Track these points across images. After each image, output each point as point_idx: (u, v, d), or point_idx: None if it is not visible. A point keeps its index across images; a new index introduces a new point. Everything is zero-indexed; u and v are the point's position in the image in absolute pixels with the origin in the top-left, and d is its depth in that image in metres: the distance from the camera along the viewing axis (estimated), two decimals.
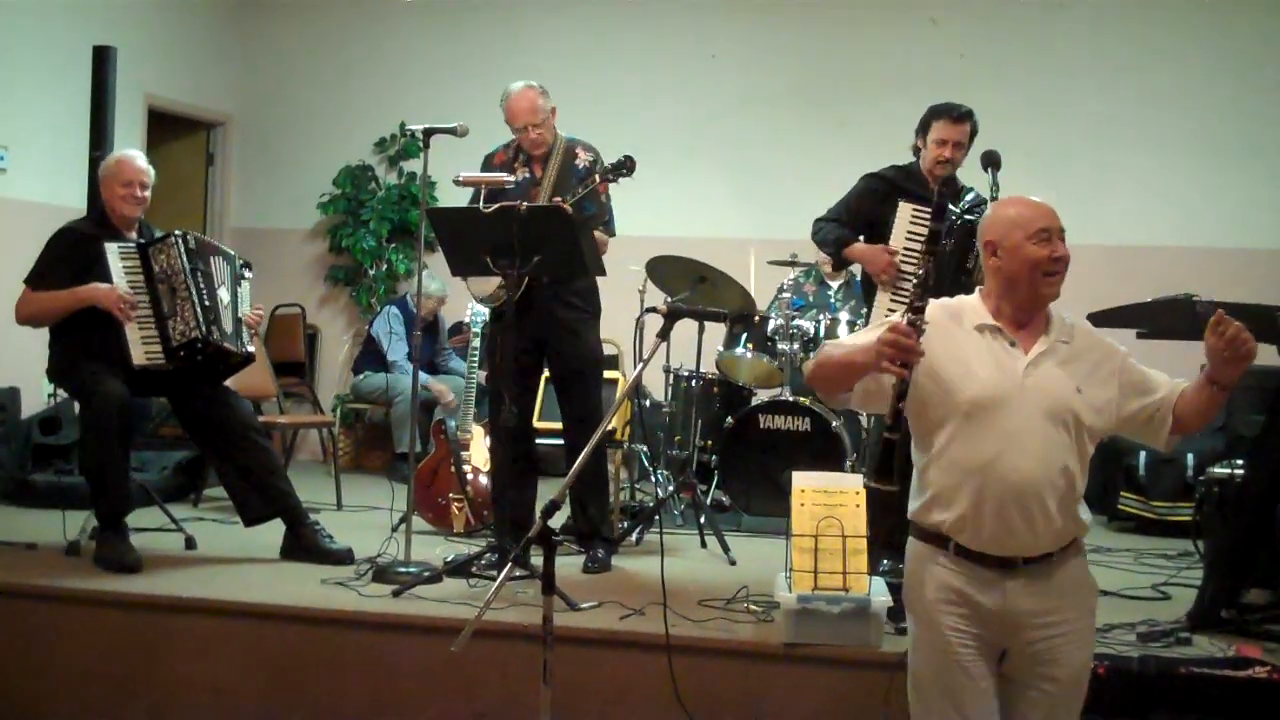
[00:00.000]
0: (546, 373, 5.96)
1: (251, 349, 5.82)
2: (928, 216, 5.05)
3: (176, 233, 5.59)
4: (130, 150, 5.83)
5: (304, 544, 5.58)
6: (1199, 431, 3.38)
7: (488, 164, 5.80)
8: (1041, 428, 3.13)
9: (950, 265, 5.02)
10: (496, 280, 5.45)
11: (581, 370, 5.67)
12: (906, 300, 4.87)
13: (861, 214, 5.44)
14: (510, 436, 5.50)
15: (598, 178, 5.44)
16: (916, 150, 5.44)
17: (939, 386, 3.18)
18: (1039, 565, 3.17)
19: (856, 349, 3.18)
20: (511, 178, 5.61)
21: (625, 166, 5.38)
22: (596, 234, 5.61)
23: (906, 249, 5.20)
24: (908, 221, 5.20)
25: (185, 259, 5.52)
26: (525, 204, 5.11)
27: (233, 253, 5.88)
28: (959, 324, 3.26)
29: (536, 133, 5.60)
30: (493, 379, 5.67)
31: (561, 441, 5.85)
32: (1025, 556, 3.16)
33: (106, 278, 5.42)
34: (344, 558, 5.47)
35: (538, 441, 6.00)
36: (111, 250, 5.47)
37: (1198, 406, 3.21)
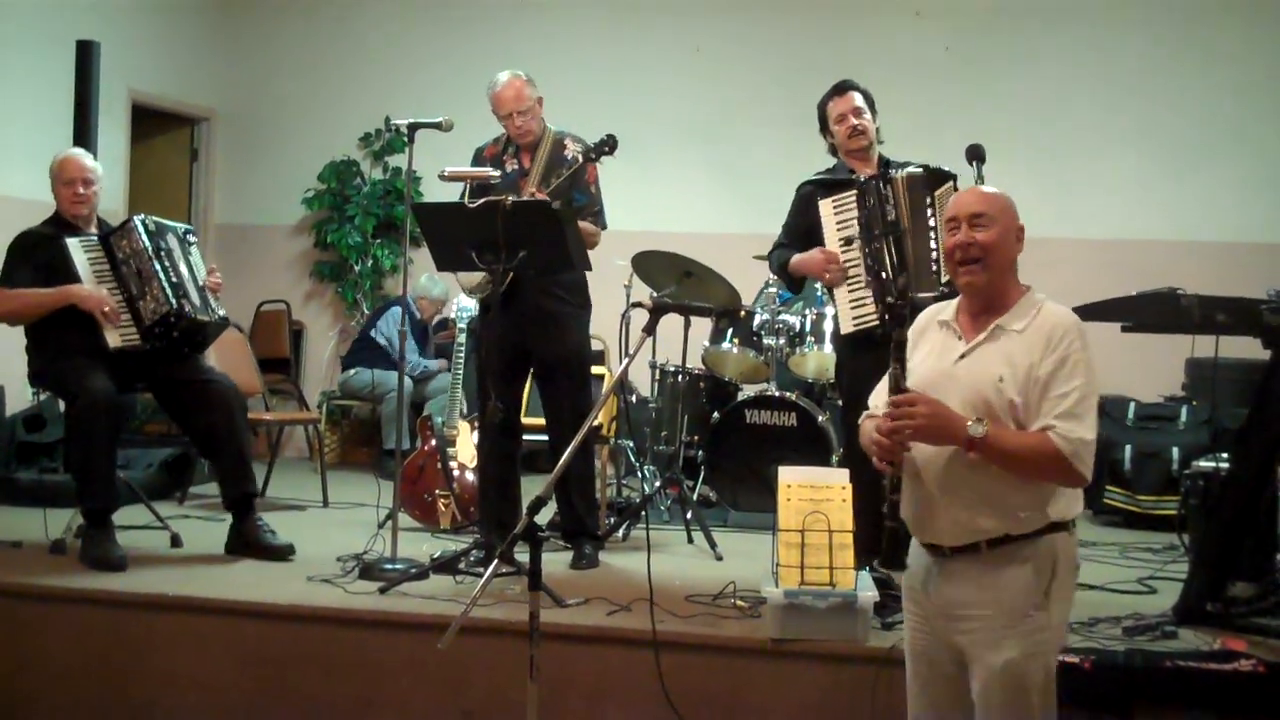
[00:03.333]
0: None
1: (223, 313, 5.86)
2: (850, 200, 5.01)
3: (135, 217, 5.65)
4: (73, 149, 5.90)
5: (246, 538, 5.57)
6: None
7: (477, 157, 5.78)
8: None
9: (920, 235, 4.92)
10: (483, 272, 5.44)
11: (564, 364, 5.61)
12: (863, 290, 4.85)
13: (799, 228, 5.25)
14: (495, 432, 5.48)
15: (581, 159, 5.43)
16: (833, 149, 5.32)
17: None
18: (966, 556, 3.15)
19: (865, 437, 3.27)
20: (497, 172, 5.59)
21: (606, 145, 5.36)
22: (587, 225, 5.57)
23: (845, 242, 4.99)
24: (832, 214, 5.03)
25: (147, 240, 5.56)
26: (511, 198, 5.09)
27: (174, 224, 5.89)
28: (932, 325, 3.32)
29: (522, 120, 5.57)
30: (480, 374, 5.65)
31: (546, 438, 5.81)
32: (950, 545, 3.16)
33: (73, 273, 5.45)
34: (285, 553, 5.48)
35: (525, 438, 5.95)
36: (74, 245, 5.51)
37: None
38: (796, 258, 5.17)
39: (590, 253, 5.50)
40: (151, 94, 9.18)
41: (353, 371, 8.51)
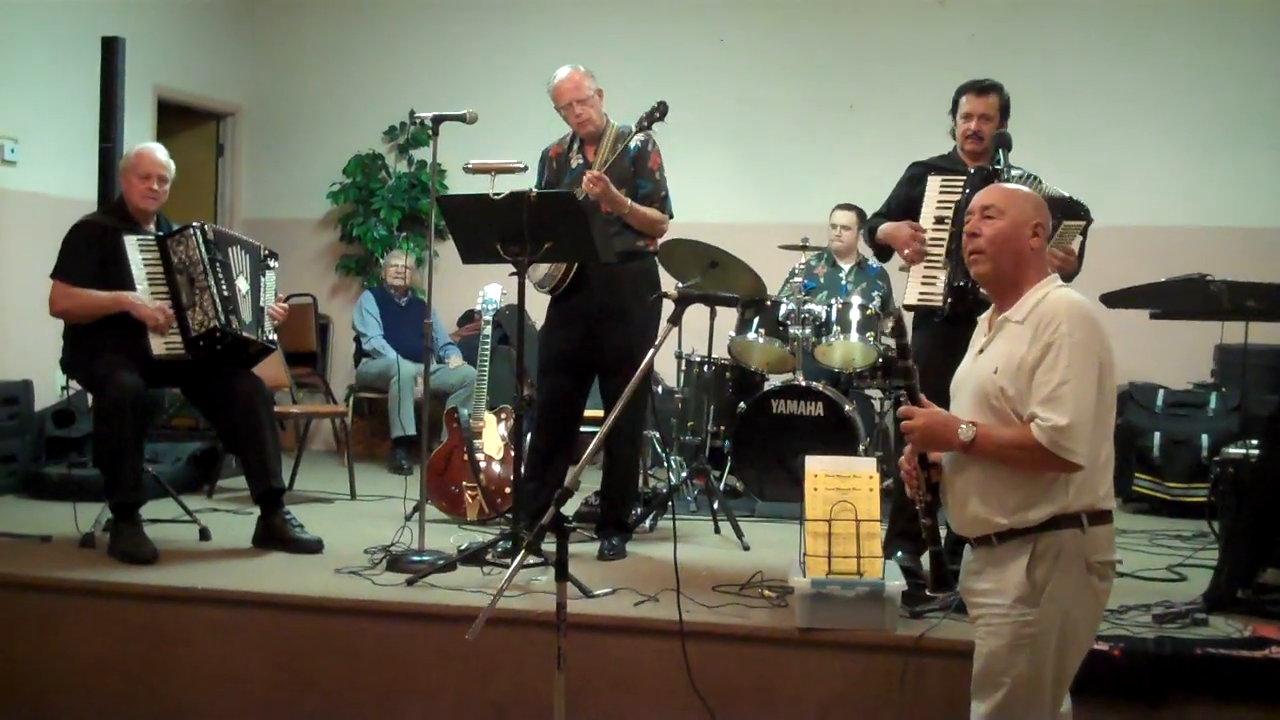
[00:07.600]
0: None
1: (273, 338, 5.83)
2: (958, 185, 4.97)
3: (195, 224, 5.61)
4: (151, 143, 5.82)
5: (275, 533, 5.59)
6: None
7: (543, 158, 5.84)
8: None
9: None
10: (547, 264, 5.45)
11: (629, 357, 5.41)
12: (937, 270, 4.85)
13: (900, 202, 5.25)
14: (543, 422, 5.49)
15: (643, 147, 5.46)
16: (953, 133, 5.26)
17: None
18: (983, 549, 3.28)
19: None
20: (522, 163, 5.62)
21: (658, 111, 5.39)
22: (652, 212, 5.62)
23: (937, 221, 4.99)
24: (936, 193, 5.01)
25: (204, 250, 5.52)
26: (535, 191, 5.09)
27: (256, 244, 5.87)
28: (981, 325, 3.45)
29: (581, 109, 5.60)
30: (542, 365, 5.67)
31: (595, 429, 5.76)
32: (972, 537, 3.31)
33: (126, 269, 5.43)
34: (314, 547, 5.50)
35: (583, 430, 5.89)
36: (130, 242, 5.49)
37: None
38: (885, 226, 5.18)
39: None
40: (177, 89, 9.21)
41: (363, 362, 8.60)
